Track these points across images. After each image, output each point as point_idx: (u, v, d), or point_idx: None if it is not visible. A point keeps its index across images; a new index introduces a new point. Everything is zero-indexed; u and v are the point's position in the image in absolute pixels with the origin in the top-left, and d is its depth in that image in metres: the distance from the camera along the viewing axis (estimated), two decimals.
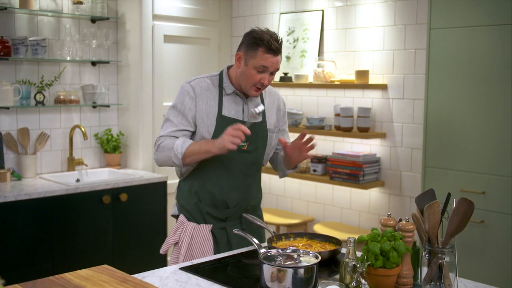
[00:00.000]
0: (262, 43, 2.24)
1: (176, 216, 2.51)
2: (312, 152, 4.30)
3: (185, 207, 2.45)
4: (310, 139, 2.32)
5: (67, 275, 1.69)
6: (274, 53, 2.25)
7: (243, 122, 2.34)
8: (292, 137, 4.39)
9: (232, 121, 2.34)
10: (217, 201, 2.36)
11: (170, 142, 2.30)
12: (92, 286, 1.60)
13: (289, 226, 4.16)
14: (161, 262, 3.96)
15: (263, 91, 2.46)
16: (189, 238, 2.39)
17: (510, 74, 3.06)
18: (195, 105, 2.33)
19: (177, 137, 2.33)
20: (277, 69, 2.31)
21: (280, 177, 2.60)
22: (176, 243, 2.44)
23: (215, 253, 2.36)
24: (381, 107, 3.91)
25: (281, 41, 2.30)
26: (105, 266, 1.79)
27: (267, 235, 3.05)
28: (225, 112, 2.35)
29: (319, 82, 4.05)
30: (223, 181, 2.37)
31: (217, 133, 2.31)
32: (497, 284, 2.26)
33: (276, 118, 2.51)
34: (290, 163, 2.43)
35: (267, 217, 4.09)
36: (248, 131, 2.18)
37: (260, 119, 2.40)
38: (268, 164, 2.67)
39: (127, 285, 1.61)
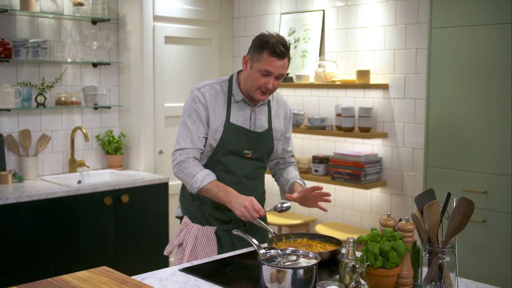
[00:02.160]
0: (267, 46, 2.21)
1: (180, 218, 2.51)
2: (315, 153, 4.30)
3: (189, 209, 2.45)
4: (324, 194, 2.29)
5: (66, 277, 1.68)
6: (279, 56, 2.22)
7: (249, 131, 2.35)
8: (294, 138, 4.39)
9: (239, 129, 2.34)
10: (219, 203, 2.35)
11: (193, 170, 2.27)
12: None
13: (291, 226, 4.15)
14: (163, 263, 3.96)
15: (270, 99, 2.45)
16: (193, 240, 2.38)
17: (511, 73, 3.05)
18: (207, 111, 2.33)
19: (198, 157, 2.32)
20: (283, 74, 2.27)
21: (282, 198, 2.58)
22: (180, 245, 2.44)
23: (219, 255, 2.36)
24: (383, 107, 3.90)
25: (289, 46, 2.27)
26: (104, 267, 1.78)
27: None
28: (232, 120, 2.34)
29: (320, 82, 4.05)
30: (226, 184, 2.36)
31: (223, 140, 2.32)
32: (498, 284, 2.26)
33: (283, 125, 2.50)
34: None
35: (269, 217, 4.08)
36: (263, 216, 2.20)
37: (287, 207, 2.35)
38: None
39: (126, 287, 1.61)
